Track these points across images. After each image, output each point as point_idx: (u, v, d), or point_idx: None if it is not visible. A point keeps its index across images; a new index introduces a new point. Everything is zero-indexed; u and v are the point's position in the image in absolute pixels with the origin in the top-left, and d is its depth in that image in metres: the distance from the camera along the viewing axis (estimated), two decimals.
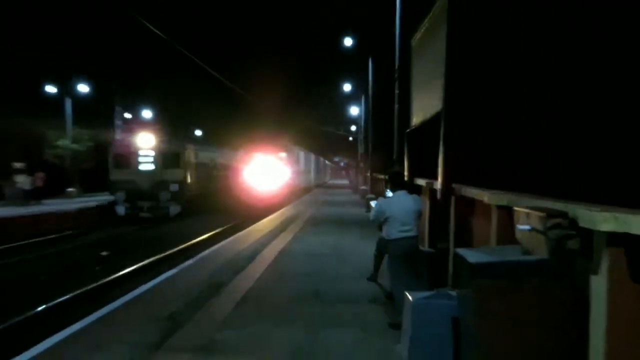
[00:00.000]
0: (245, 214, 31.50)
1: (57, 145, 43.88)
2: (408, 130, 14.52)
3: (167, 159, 34.67)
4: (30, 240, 24.37)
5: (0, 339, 10.47)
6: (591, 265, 4.76)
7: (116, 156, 34.55)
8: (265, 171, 42.50)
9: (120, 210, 32.53)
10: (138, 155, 34.34)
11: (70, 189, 43.26)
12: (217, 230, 26.57)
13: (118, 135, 37.87)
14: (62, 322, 9.22)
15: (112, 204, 32.85)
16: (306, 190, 62.06)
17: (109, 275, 16.39)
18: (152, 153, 34.37)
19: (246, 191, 37.60)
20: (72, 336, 7.64)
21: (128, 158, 34.27)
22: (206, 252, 15.54)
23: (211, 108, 69.73)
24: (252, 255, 14.78)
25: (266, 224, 23.59)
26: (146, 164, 34.34)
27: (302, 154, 61.68)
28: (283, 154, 48.15)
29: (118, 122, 48.81)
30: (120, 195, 32.81)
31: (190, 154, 37.04)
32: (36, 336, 8.23)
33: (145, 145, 34.34)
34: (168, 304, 9.24)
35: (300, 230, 20.83)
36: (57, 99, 45.34)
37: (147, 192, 33.12)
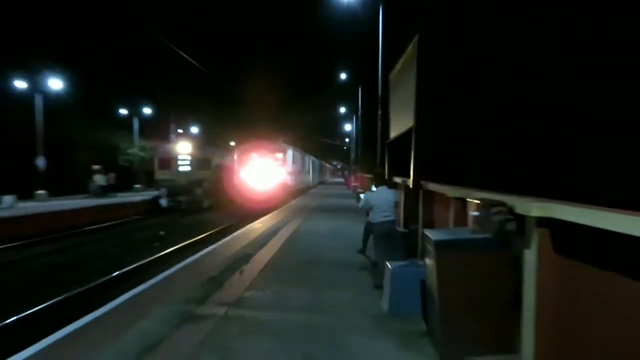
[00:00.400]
0: (262, 206, 31.44)
1: (127, 153, 44.98)
2: (388, 141, 14.58)
3: (200, 162, 34.43)
4: (110, 223, 24.79)
5: (100, 291, 11.24)
6: (524, 241, 4.81)
7: (160, 160, 34.35)
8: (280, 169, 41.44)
9: (163, 202, 32.32)
10: (177, 159, 34.09)
11: (137, 185, 44.02)
12: (233, 220, 26.26)
13: (161, 144, 37.78)
14: (140, 279, 9.63)
15: (157, 198, 32.72)
16: (311, 187, 60.12)
17: (168, 248, 16.86)
18: (189, 157, 34.17)
19: (250, 188, 36.87)
20: (140, 294, 7.66)
21: (169, 162, 34.06)
22: (236, 232, 15.52)
23: (236, 120, 67.83)
24: (272, 233, 14.80)
25: (281, 212, 23.56)
26: (184, 166, 34.12)
27: (307, 157, 58.46)
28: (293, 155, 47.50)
29: (172, 136, 49.10)
30: (163, 191, 32.61)
31: (215, 157, 36.84)
32: (120, 289, 8.33)
33: (183, 151, 34.18)
34: (209, 271, 9.24)
35: (307, 217, 20.81)
36: (127, 119, 47.69)
37: (184, 188, 32.90)
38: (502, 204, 5.11)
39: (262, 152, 36.21)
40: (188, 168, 34.22)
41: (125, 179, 41.84)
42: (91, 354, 5.09)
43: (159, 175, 34.03)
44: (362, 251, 10.92)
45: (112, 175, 36.08)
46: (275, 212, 23.66)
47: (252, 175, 35.14)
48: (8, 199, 24.10)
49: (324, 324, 6.32)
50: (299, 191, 41.98)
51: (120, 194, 35.49)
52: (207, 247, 12.53)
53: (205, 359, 5.06)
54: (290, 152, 38.46)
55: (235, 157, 36.87)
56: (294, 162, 39.77)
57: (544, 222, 4.51)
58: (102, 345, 5.34)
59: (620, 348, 3.56)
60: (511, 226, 5.01)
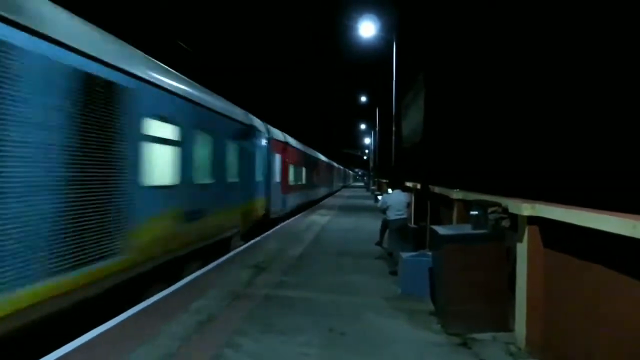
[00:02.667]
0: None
1: None
2: (401, 152, 14.57)
3: None
4: None
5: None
6: (517, 236, 4.78)
7: None
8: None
9: None
10: None
11: None
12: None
13: None
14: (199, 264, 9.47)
15: None
16: (337, 189, 58.28)
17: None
18: None
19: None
20: (196, 279, 7.77)
21: None
22: (277, 227, 15.60)
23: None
24: (306, 228, 14.84)
25: (314, 209, 23.58)
26: None
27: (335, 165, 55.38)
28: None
29: None
30: None
31: None
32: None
33: None
34: (254, 259, 9.33)
35: (334, 214, 20.81)
36: None
37: None
38: (498, 204, 5.10)
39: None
40: None
41: None
42: (161, 327, 5.20)
43: None
44: (379, 243, 10.89)
45: None
46: (309, 209, 23.70)
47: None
48: None
49: (347, 302, 6.34)
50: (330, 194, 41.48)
51: None
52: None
53: (250, 330, 5.13)
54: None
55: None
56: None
57: (533, 220, 4.49)
58: (173, 317, 5.45)
59: (602, 328, 3.51)
60: (505, 223, 5.00)
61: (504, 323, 5.09)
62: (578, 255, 3.82)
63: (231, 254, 10.04)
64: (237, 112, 11.62)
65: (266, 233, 13.73)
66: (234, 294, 6.63)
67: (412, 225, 10.23)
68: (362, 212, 21.71)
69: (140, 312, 5.73)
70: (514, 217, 4.85)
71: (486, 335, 5.00)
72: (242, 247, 10.93)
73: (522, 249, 4.66)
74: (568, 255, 3.98)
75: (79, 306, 4.99)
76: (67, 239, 4.69)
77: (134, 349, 4.50)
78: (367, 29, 18.45)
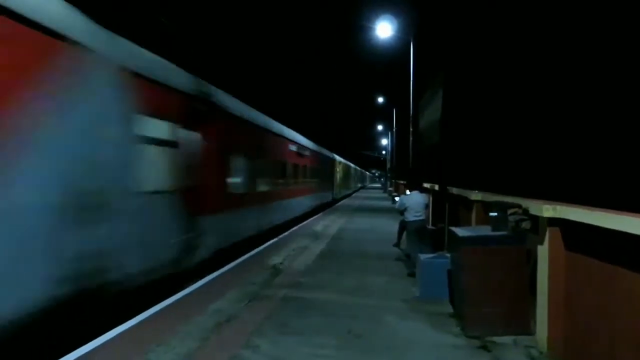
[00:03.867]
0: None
1: None
2: (419, 152, 14.46)
3: None
4: None
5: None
6: (537, 238, 4.71)
7: None
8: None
9: None
10: None
11: None
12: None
13: None
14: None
15: None
16: (355, 190, 57.97)
17: None
18: None
19: None
20: (213, 280, 7.81)
21: None
22: (295, 227, 15.61)
23: None
24: (322, 229, 14.83)
25: (332, 210, 23.58)
26: None
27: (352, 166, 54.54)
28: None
29: None
30: None
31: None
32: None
33: None
34: (271, 260, 9.35)
35: (350, 216, 20.76)
36: None
37: None
38: (518, 205, 5.02)
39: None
40: None
41: None
42: (178, 327, 5.24)
43: None
44: (397, 244, 10.84)
45: None
46: (328, 209, 23.67)
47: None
48: None
49: (365, 304, 6.31)
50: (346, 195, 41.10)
51: None
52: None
53: (268, 331, 5.14)
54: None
55: None
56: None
57: (554, 222, 4.41)
58: (191, 317, 5.49)
59: (626, 333, 3.42)
60: (526, 225, 4.93)
61: (524, 326, 5.01)
62: (601, 258, 3.73)
63: (249, 254, 10.07)
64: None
65: (284, 234, 13.74)
66: (251, 295, 6.65)
67: (430, 226, 10.15)
68: (379, 214, 21.62)
69: (159, 312, 5.78)
70: (535, 219, 4.77)
71: (506, 339, 4.91)
72: (260, 248, 10.95)
73: (543, 251, 4.58)
74: (591, 257, 3.90)
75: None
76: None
77: (152, 349, 4.54)
78: (384, 29, 18.39)
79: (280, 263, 9.03)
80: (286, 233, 14.00)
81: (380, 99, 42.24)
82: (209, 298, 6.42)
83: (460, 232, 5.56)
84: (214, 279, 7.74)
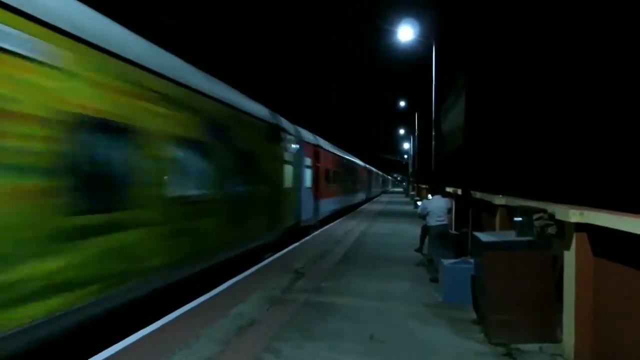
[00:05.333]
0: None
1: None
2: (442, 156, 14.35)
3: None
4: None
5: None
6: (564, 244, 4.61)
7: None
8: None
9: None
10: None
11: None
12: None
13: None
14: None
15: None
16: (377, 195, 57.92)
17: None
18: None
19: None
20: (235, 285, 7.86)
21: None
22: (317, 231, 15.62)
23: None
24: (344, 234, 14.79)
25: (354, 213, 23.51)
26: None
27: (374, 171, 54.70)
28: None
29: None
30: None
31: None
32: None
33: None
34: (294, 264, 9.37)
35: (372, 220, 20.67)
36: None
37: None
38: (544, 210, 4.94)
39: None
40: None
41: None
42: (201, 331, 5.29)
43: None
44: (419, 249, 10.74)
45: None
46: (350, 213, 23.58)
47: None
48: None
49: (387, 309, 6.26)
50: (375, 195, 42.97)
51: None
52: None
53: (289, 335, 5.14)
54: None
55: None
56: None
57: (581, 227, 4.32)
58: (214, 321, 5.54)
59: None
60: (552, 230, 4.83)
61: (550, 333, 4.90)
62: (630, 264, 3.63)
63: (270, 259, 10.12)
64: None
65: (305, 238, 13.76)
66: (273, 299, 6.67)
67: (453, 231, 10.04)
68: (401, 218, 21.48)
69: (181, 316, 5.85)
70: (561, 224, 4.68)
71: (532, 346, 4.82)
72: (281, 252, 10.99)
73: (570, 257, 4.48)
74: (619, 263, 3.80)
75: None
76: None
77: (174, 351, 4.59)
78: (406, 33, 18.30)
79: (302, 267, 9.04)
80: (308, 237, 14.03)
81: (402, 103, 42.06)
82: (232, 302, 6.46)
83: (484, 237, 5.48)
84: (236, 282, 7.79)
